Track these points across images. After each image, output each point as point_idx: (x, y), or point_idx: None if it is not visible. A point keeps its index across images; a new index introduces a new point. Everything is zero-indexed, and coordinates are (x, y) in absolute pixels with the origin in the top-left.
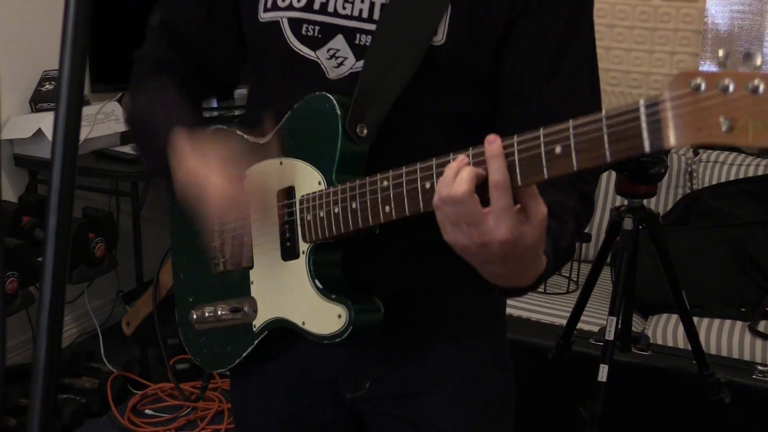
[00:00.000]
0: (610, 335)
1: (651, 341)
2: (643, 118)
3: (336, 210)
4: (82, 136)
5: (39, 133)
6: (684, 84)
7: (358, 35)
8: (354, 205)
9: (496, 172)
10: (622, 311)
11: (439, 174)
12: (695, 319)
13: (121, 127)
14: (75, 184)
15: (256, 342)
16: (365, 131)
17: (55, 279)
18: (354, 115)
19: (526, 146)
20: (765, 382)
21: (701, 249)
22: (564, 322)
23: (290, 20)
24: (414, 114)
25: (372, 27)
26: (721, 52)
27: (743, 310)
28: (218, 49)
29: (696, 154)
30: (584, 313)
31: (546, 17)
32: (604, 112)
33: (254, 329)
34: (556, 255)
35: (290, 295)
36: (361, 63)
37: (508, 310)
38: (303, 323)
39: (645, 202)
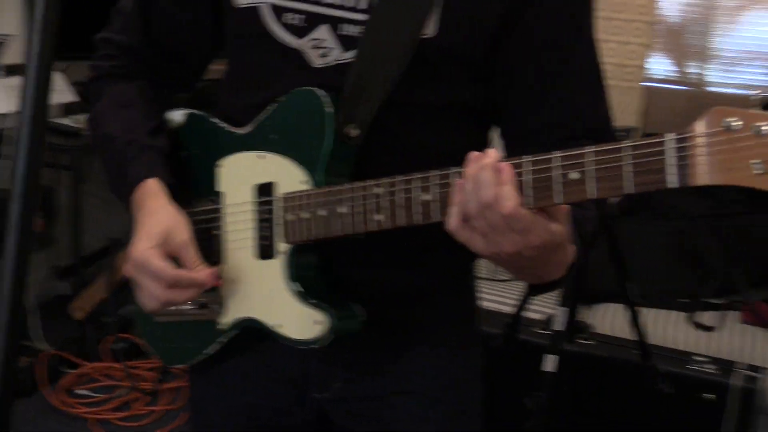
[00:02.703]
0: (559, 325)
1: (594, 331)
2: (671, 152)
3: (322, 212)
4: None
5: None
6: (717, 121)
7: (343, 25)
8: (342, 210)
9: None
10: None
11: (442, 186)
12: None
13: (63, 98)
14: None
15: (221, 341)
16: (355, 132)
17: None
18: (344, 114)
19: (539, 167)
20: (701, 372)
21: (645, 240)
22: (509, 309)
23: (272, 7)
24: (404, 109)
25: (357, 17)
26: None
27: (684, 301)
28: (192, 39)
29: None
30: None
31: (551, 12)
32: (627, 141)
33: (221, 327)
34: (582, 241)
35: (264, 295)
36: (347, 54)
37: None
38: (278, 326)
39: None
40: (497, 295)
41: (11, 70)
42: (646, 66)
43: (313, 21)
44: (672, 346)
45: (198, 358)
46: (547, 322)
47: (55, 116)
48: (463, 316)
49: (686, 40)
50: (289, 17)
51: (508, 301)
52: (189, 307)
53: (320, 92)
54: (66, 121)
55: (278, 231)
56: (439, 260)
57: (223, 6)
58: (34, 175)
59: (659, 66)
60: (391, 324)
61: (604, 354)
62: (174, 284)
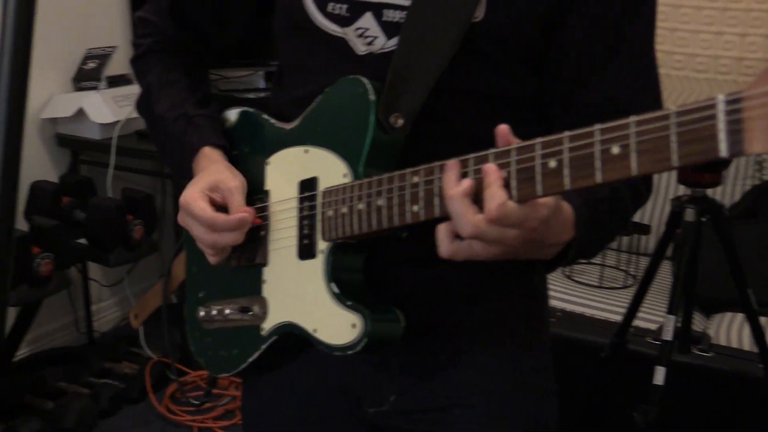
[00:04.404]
0: (668, 335)
1: (713, 342)
2: (721, 116)
3: (360, 206)
4: (124, 115)
5: (80, 112)
6: None
7: (386, 11)
8: (380, 202)
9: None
10: (682, 309)
11: (477, 171)
12: (762, 319)
13: None
14: (20, 153)
15: (263, 347)
16: (400, 122)
17: None
18: (388, 102)
19: (578, 144)
20: None
21: (765, 244)
22: (620, 318)
23: None
24: (453, 98)
25: (400, 1)
26: None
27: None
28: (226, 26)
29: None
30: (642, 309)
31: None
32: (674, 107)
33: (262, 333)
34: (590, 208)
35: (303, 298)
36: (392, 41)
37: (560, 304)
38: (314, 330)
39: (709, 192)
40: (606, 304)
41: (113, 81)
42: None
43: (356, 9)
44: None
45: (242, 367)
46: (658, 332)
47: None
48: (528, 321)
49: None
50: (333, 7)
51: (616, 309)
52: (233, 312)
53: (365, 79)
54: None
55: (319, 228)
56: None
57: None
58: (11, 189)
59: None
60: (444, 328)
61: (724, 367)
62: (211, 228)
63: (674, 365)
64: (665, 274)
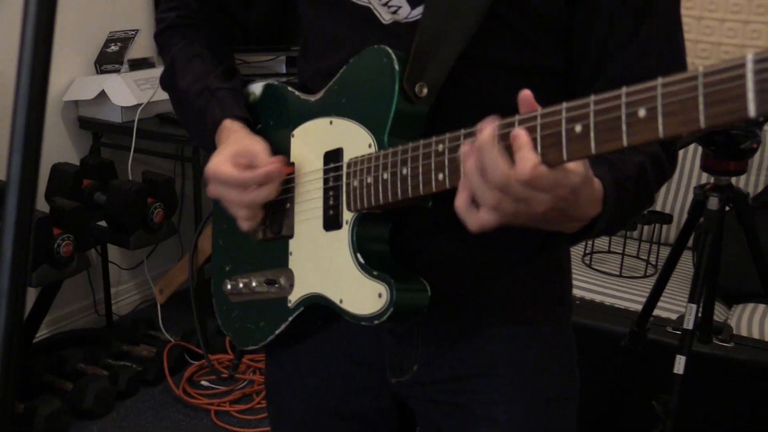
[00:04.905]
0: (688, 324)
1: (734, 332)
2: (749, 75)
3: (385, 176)
4: (146, 98)
5: (102, 95)
6: None
7: None
8: (405, 171)
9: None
10: (703, 298)
11: (504, 138)
12: None
13: None
14: (42, 133)
15: (290, 319)
16: (425, 91)
17: (18, 237)
18: (413, 71)
19: (603, 107)
20: None
21: None
22: (640, 307)
23: None
24: (478, 69)
25: None
26: None
27: None
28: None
29: None
30: (662, 299)
31: None
32: (701, 68)
33: (289, 305)
34: (618, 185)
35: (329, 269)
36: (416, 11)
37: (580, 293)
38: (340, 301)
39: (733, 180)
40: (625, 292)
41: (135, 64)
42: None
43: None
44: None
45: (269, 339)
46: (679, 321)
47: None
48: (552, 295)
49: None
50: None
51: (637, 298)
52: (260, 284)
53: (390, 49)
54: None
55: (344, 199)
56: (517, 232)
57: None
58: (32, 169)
59: None
60: (468, 298)
61: (745, 357)
62: (243, 186)
63: (694, 355)
64: (686, 263)
